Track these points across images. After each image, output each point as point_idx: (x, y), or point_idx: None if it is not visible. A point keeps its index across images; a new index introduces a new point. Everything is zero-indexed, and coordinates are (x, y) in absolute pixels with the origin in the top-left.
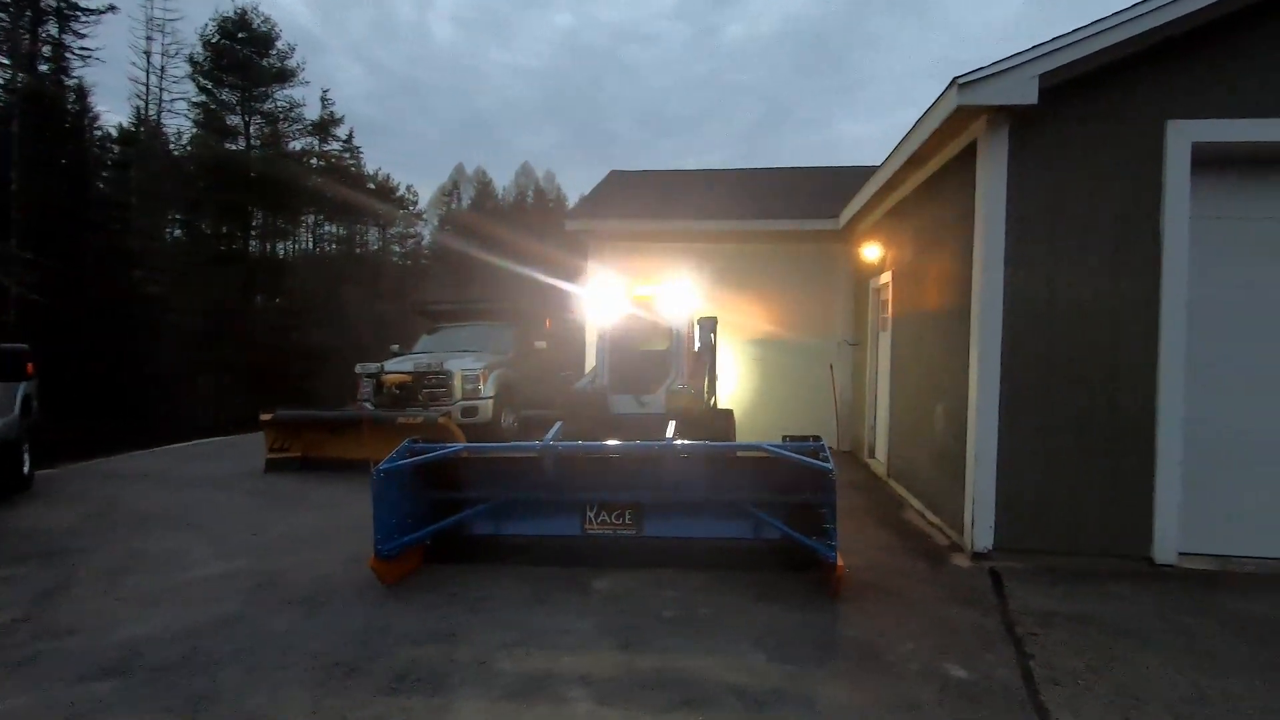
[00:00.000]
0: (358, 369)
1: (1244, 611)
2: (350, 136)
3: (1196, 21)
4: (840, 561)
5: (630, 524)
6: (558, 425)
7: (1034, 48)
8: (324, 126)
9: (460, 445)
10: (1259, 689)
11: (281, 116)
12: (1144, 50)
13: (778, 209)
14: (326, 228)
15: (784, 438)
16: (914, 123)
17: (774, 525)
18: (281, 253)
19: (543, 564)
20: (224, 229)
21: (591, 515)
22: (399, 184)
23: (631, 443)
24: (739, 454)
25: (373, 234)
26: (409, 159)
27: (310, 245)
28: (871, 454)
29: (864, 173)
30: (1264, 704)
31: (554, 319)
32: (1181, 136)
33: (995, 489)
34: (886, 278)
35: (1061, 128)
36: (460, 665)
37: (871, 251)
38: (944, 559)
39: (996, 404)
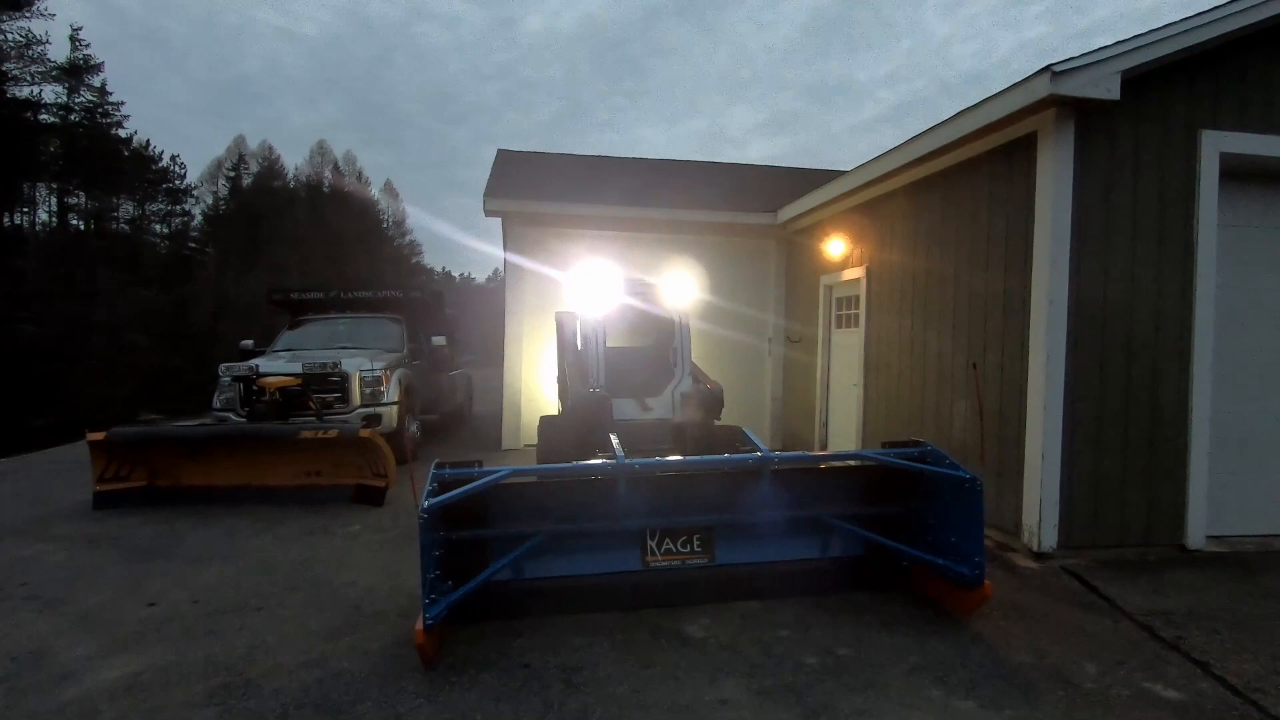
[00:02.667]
0: (221, 370)
1: None
2: (104, 88)
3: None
4: (988, 582)
5: (700, 552)
6: (614, 439)
7: (1117, 43)
8: (75, 72)
9: (509, 469)
10: None
11: (12, 53)
12: (1191, 58)
13: (709, 201)
14: (75, 198)
15: (883, 444)
16: (960, 111)
17: (881, 542)
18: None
19: (601, 609)
20: None
21: (653, 545)
22: (161, 152)
23: (718, 456)
24: (838, 465)
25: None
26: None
27: (50, 219)
28: (825, 450)
29: (777, 172)
30: None
31: (451, 311)
32: (1212, 146)
33: (1059, 487)
34: (855, 274)
35: (1116, 126)
36: None
37: (834, 247)
38: (1008, 562)
39: (1061, 403)
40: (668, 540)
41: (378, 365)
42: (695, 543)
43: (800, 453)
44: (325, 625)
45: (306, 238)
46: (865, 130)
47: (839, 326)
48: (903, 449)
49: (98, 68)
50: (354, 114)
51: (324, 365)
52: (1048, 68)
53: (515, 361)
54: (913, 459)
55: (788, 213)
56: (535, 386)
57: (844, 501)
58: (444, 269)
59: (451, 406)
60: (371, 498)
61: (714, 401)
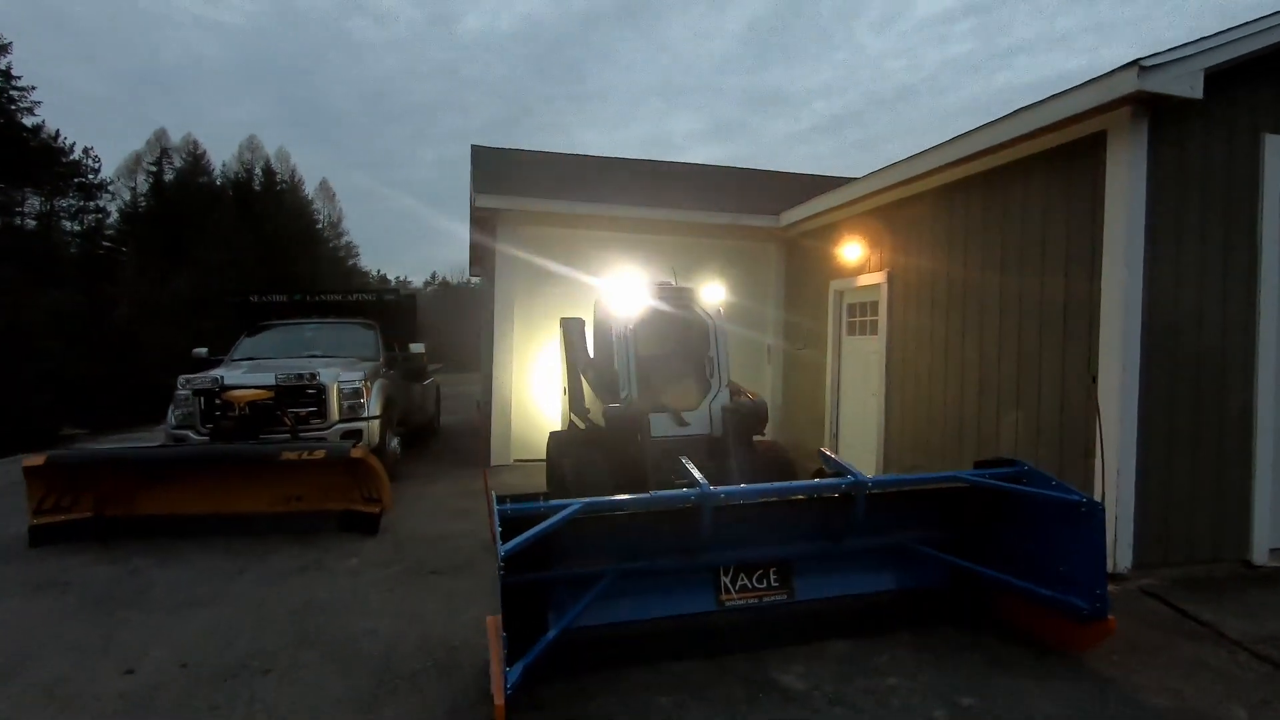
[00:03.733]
0: (180, 382)
1: None
2: (9, 71)
3: None
4: (1111, 616)
5: (778, 587)
6: (685, 461)
7: (1199, 40)
8: None
9: (581, 503)
10: None
11: None
12: (1253, 61)
13: (710, 203)
14: None
15: (975, 464)
16: (1020, 109)
17: (978, 571)
18: None
19: (676, 657)
20: None
21: (727, 581)
22: (72, 144)
23: (810, 482)
24: (921, 487)
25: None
26: (66, 115)
27: None
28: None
29: (772, 176)
30: None
31: (423, 316)
32: (1276, 151)
33: (1135, 505)
34: (874, 279)
35: (1188, 128)
36: None
37: (849, 251)
38: None
39: (1136, 416)
40: (743, 575)
41: (356, 375)
42: (773, 577)
43: (893, 475)
44: (355, 692)
45: (236, 238)
46: (801, 140)
47: (851, 334)
48: (997, 468)
49: (4, 49)
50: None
51: (300, 376)
52: (1135, 62)
53: (505, 370)
54: (1008, 478)
55: (792, 216)
56: (527, 397)
57: (928, 526)
58: (380, 272)
59: (423, 419)
60: (363, 525)
61: (757, 416)
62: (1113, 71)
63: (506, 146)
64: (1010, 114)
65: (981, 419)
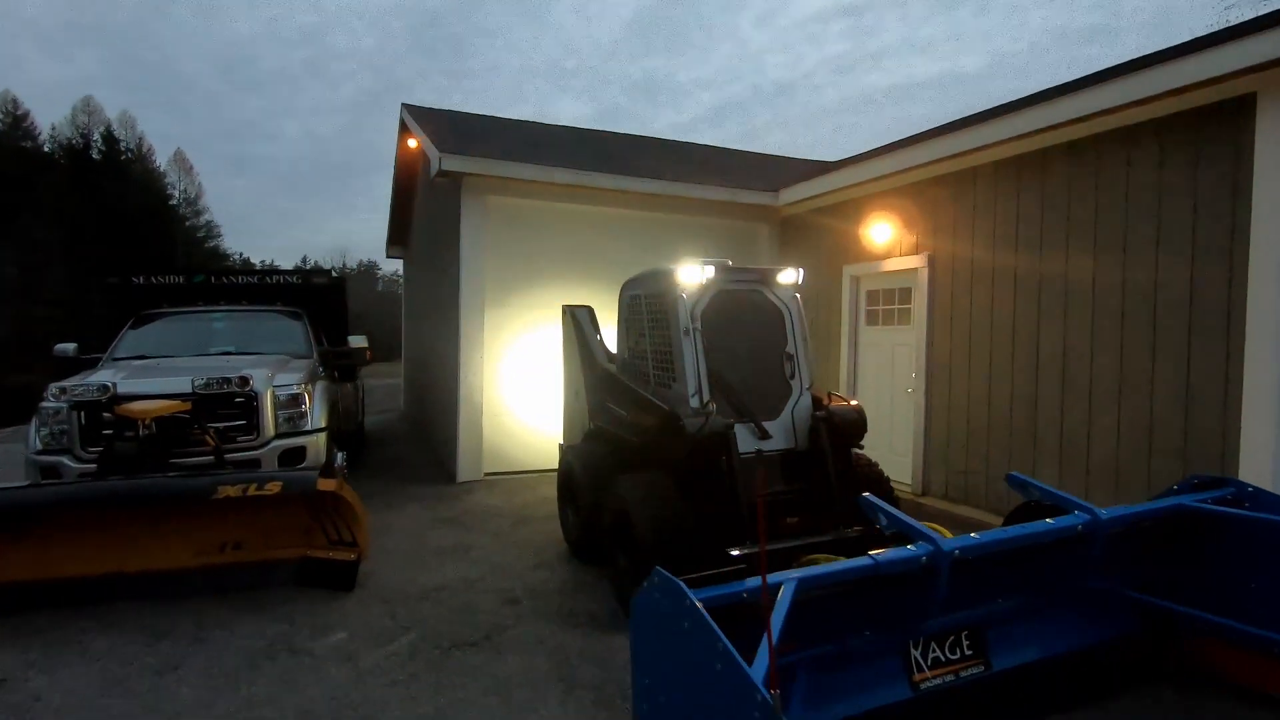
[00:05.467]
0: (51, 392)
1: None
2: None
3: None
4: None
5: (972, 656)
6: (869, 498)
7: None
8: None
9: (799, 574)
10: None
11: None
12: None
13: (701, 177)
14: None
15: (1175, 487)
16: (1134, 62)
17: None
18: None
19: None
20: None
21: (918, 655)
22: None
23: (1045, 523)
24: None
25: None
26: None
27: None
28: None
29: (747, 157)
30: None
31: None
32: None
33: None
34: (907, 263)
35: None
36: None
37: (876, 232)
38: None
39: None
40: (933, 646)
41: (294, 378)
42: (965, 644)
43: (1126, 506)
44: None
45: (73, 212)
46: (687, 129)
47: (872, 324)
48: (1205, 491)
49: None
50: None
51: (226, 380)
52: None
53: (474, 369)
54: (1226, 502)
55: (795, 193)
56: (499, 400)
57: (1130, 563)
58: (244, 255)
59: (351, 425)
60: (334, 578)
61: (857, 425)
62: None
63: (459, 110)
64: (1109, 73)
65: (1065, 420)
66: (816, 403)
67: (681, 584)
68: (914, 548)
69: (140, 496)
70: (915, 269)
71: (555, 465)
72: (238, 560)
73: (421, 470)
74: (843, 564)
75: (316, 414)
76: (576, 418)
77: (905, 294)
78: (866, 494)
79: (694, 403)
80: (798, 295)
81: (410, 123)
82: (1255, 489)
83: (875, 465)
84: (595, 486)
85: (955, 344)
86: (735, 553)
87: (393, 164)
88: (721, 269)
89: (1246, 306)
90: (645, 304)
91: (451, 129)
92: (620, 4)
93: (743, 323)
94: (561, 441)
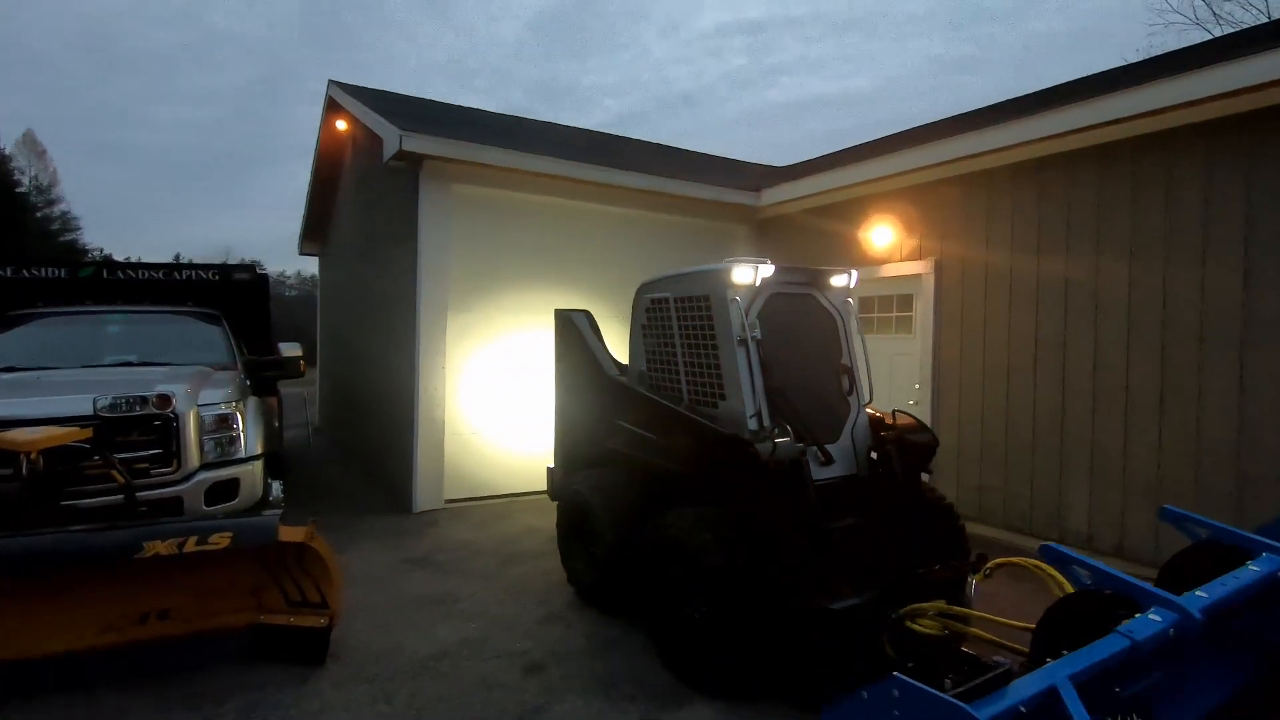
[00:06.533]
0: None
1: None
2: None
3: None
4: None
5: None
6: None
7: None
8: None
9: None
10: None
11: None
12: None
13: (683, 174)
14: None
15: None
16: (1184, 53)
17: None
18: None
19: None
20: None
21: None
22: None
23: None
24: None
25: None
26: None
27: None
28: None
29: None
30: None
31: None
32: None
33: None
34: (910, 269)
35: None
36: None
37: (871, 236)
38: None
39: None
40: None
41: (221, 395)
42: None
43: None
44: None
45: None
46: None
47: (867, 331)
48: None
49: None
50: None
51: (140, 400)
52: None
53: (434, 378)
54: None
55: (779, 194)
56: (460, 417)
57: None
58: (105, 251)
59: (274, 445)
60: (298, 649)
61: (929, 448)
62: None
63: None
64: (1147, 75)
65: (1097, 434)
66: (878, 422)
67: (959, 704)
68: (1157, 616)
69: (33, 558)
70: (919, 275)
71: (532, 489)
72: (165, 634)
73: (366, 498)
74: (1100, 648)
75: (250, 438)
76: (576, 438)
77: (905, 301)
78: (1052, 544)
79: (752, 424)
80: (850, 300)
81: (346, 100)
82: None
83: (937, 491)
84: (621, 522)
85: (966, 354)
86: (836, 606)
87: (313, 151)
88: (777, 269)
89: None
90: (677, 308)
91: (398, 110)
92: (525, 5)
93: (796, 331)
94: (551, 464)
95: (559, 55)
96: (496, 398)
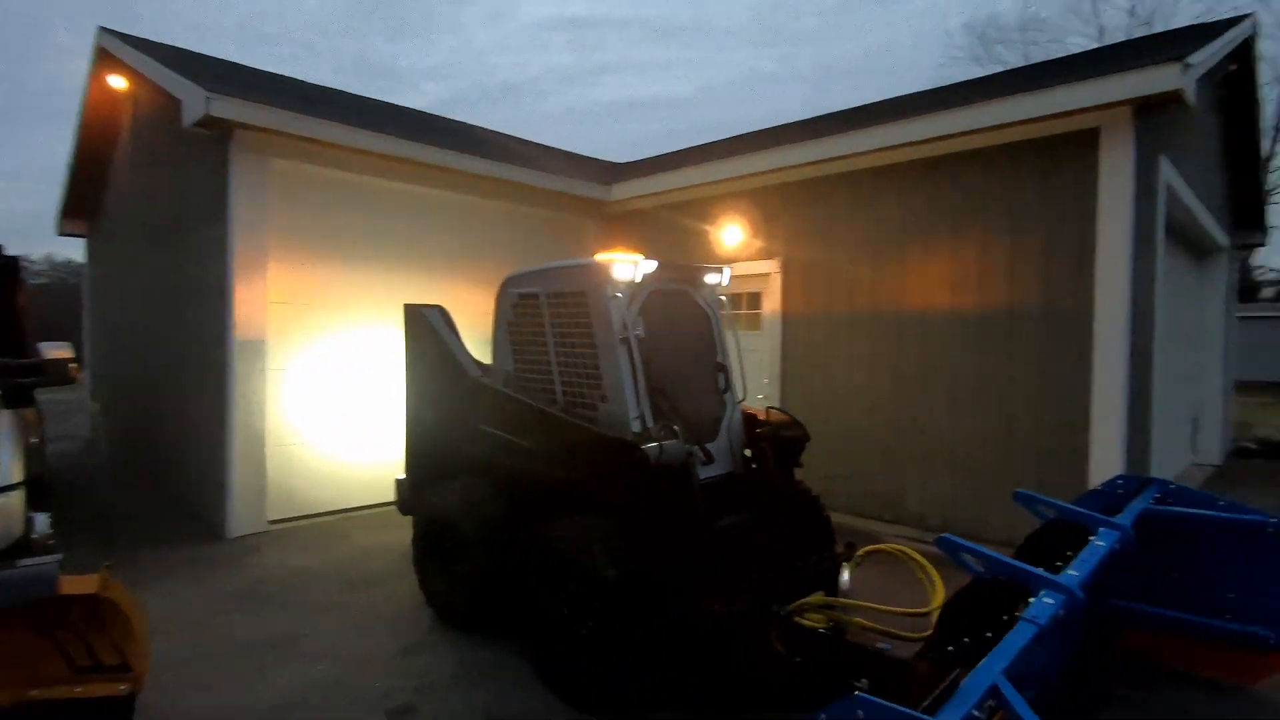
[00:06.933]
0: None
1: None
2: None
3: None
4: None
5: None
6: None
7: (1199, 50)
8: None
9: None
10: None
11: None
12: None
13: (532, 163)
14: None
15: (1096, 490)
16: (1001, 87)
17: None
18: None
19: None
20: None
21: None
22: None
23: None
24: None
25: None
26: None
27: None
28: None
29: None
30: None
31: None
32: (1166, 173)
33: None
34: (759, 268)
35: (1165, 134)
36: None
37: (720, 235)
38: None
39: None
40: None
41: None
42: None
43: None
44: None
45: None
46: None
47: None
48: (1142, 491)
49: None
50: None
51: None
52: (1180, 58)
53: (252, 381)
54: (1164, 501)
55: (629, 189)
56: (285, 422)
57: None
58: None
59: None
60: None
61: (798, 441)
62: (1150, 66)
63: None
64: (975, 96)
65: (930, 422)
66: (751, 419)
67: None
68: (1049, 599)
69: None
70: (767, 274)
71: (372, 503)
72: None
73: (164, 525)
74: (1016, 638)
75: (5, 461)
76: (432, 446)
77: (755, 299)
78: (947, 535)
79: (635, 426)
80: (723, 298)
81: (127, 54)
82: (1179, 486)
83: (804, 484)
84: (490, 537)
85: (812, 350)
86: (730, 609)
87: (77, 112)
88: (659, 265)
89: (1093, 315)
90: (549, 305)
91: (199, 70)
92: None
93: (673, 329)
94: (401, 476)
95: (374, 34)
96: (330, 402)
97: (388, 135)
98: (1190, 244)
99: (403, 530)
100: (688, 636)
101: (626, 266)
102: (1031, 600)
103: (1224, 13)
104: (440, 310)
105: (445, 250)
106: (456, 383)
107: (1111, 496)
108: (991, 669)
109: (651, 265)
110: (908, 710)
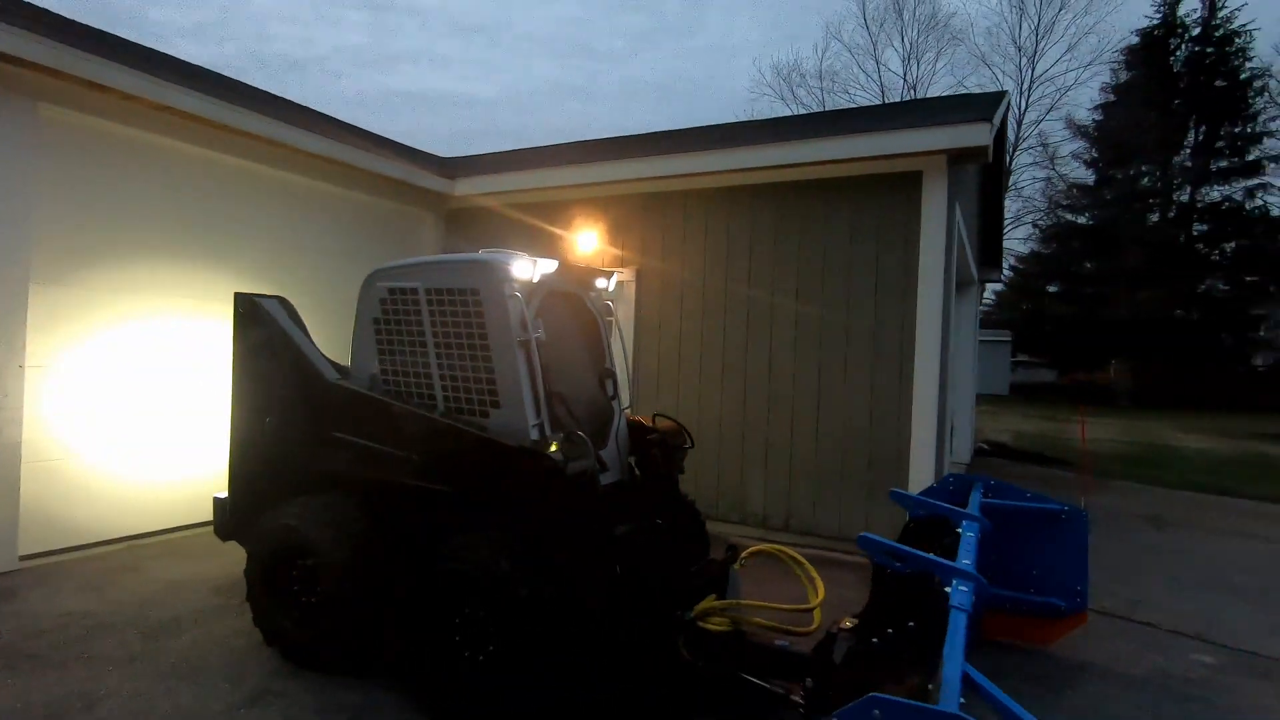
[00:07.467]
0: None
1: None
2: None
3: None
4: None
5: None
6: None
7: (996, 108)
8: None
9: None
10: None
11: None
12: None
13: (371, 145)
14: None
15: (927, 491)
16: (847, 127)
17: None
18: None
19: None
20: None
21: None
22: None
23: None
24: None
25: None
26: None
27: None
28: None
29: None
30: None
31: None
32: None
33: None
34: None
35: (959, 177)
36: None
37: (577, 241)
38: None
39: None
40: None
41: None
42: None
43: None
44: None
45: None
46: None
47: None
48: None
49: None
50: None
51: None
52: (987, 119)
53: (7, 382)
54: (990, 496)
55: (475, 185)
56: (51, 433)
57: None
58: None
59: None
60: None
61: (681, 450)
62: (967, 122)
63: None
64: (823, 130)
65: (771, 426)
66: (639, 426)
67: (948, 711)
68: (964, 587)
69: None
70: (621, 283)
71: (168, 527)
72: None
73: None
74: (957, 628)
75: None
76: (270, 458)
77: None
78: (866, 534)
79: (533, 434)
80: (611, 303)
81: None
82: (999, 482)
83: (682, 490)
84: (354, 561)
85: (663, 359)
86: (639, 619)
87: None
88: (559, 265)
89: (916, 332)
90: (430, 302)
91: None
92: None
93: (567, 333)
94: (222, 494)
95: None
96: (114, 406)
97: (195, 93)
98: (958, 277)
99: (216, 558)
100: (599, 650)
101: (525, 264)
102: (948, 590)
103: (971, 87)
104: (282, 301)
105: (273, 233)
106: (307, 385)
107: (951, 494)
108: (957, 661)
109: (551, 265)
110: (925, 705)
